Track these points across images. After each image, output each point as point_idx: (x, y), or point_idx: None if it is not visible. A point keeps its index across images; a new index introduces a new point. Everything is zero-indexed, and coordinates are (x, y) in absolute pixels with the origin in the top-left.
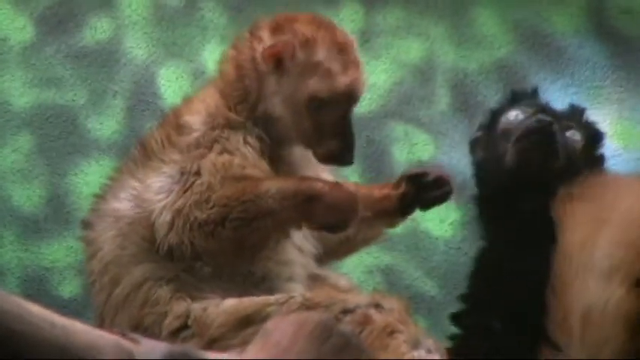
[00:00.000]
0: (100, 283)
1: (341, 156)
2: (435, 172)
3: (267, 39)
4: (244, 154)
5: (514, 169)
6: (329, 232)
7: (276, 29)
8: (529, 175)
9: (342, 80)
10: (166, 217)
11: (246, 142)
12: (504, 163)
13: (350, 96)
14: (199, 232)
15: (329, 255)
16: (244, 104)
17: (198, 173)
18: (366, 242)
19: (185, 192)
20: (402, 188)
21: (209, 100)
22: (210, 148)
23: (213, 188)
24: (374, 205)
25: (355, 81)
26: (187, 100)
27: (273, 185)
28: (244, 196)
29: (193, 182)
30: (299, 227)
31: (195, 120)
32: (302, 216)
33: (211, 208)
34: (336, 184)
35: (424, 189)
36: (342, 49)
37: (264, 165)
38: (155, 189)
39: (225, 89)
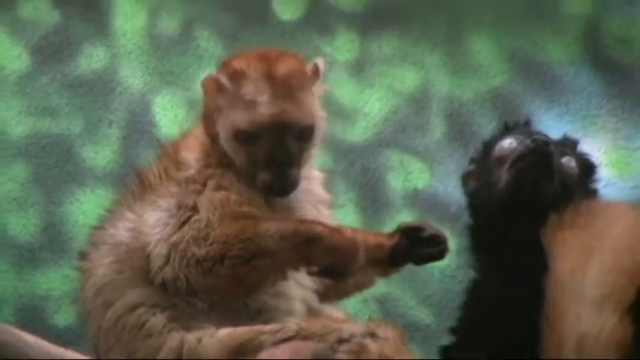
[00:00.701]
0: (93, 307)
1: (274, 188)
2: (431, 229)
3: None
4: (239, 190)
5: (508, 195)
6: (328, 277)
7: (220, 66)
8: (522, 200)
9: (265, 111)
10: (162, 250)
11: (239, 178)
12: (498, 190)
13: (275, 127)
14: (197, 268)
15: (320, 297)
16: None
17: (194, 209)
18: (357, 288)
19: (181, 226)
20: (396, 240)
21: (202, 137)
22: (204, 185)
23: (211, 225)
24: (367, 253)
25: (280, 112)
26: (185, 134)
27: (273, 225)
28: (243, 235)
29: (190, 217)
30: (297, 269)
31: (191, 157)
32: (300, 258)
33: (210, 244)
34: (336, 229)
35: (418, 244)
36: (271, 80)
37: (259, 201)
38: (151, 222)
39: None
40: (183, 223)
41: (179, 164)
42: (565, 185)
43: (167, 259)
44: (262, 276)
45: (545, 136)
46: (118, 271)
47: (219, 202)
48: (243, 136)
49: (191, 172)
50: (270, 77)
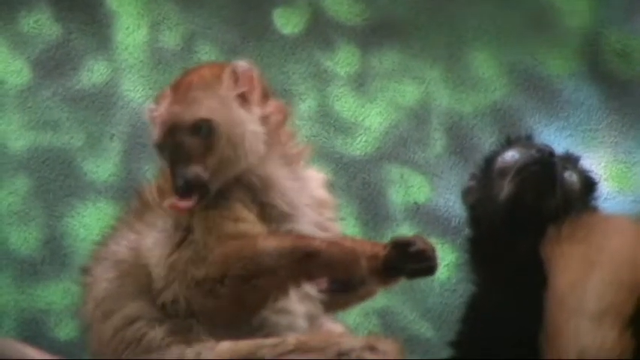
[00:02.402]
0: (93, 320)
1: (176, 189)
2: (420, 244)
3: None
4: (231, 207)
5: (510, 206)
6: (339, 291)
7: None
8: (524, 212)
9: (159, 120)
10: (161, 272)
11: (230, 194)
12: (499, 202)
13: (165, 129)
14: (197, 290)
15: (325, 307)
16: None
17: (188, 229)
18: (359, 299)
19: (177, 247)
20: (387, 252)
21: None
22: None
23: (208, 246)
24: (366, 262)
25: (168, 114)
26: None
27: (271, 243)
28: (242, 254)
29: (185, 237)
30: (298, 285)
31: None
32: (300, 274)
33: (209, 265)
34: (335, 242)
35: (407, 258)
36: (173, 90)
37: (251, 216)
38: (150, 244)
39: None
40: (179, 243)
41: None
42: (566, 200)
43: (166, 281)
44: (263, 295)
45: (550, 147)
46: (119, 284)
47: (212, 221)
48: (157, 152)
49: None
50: (173, 87)
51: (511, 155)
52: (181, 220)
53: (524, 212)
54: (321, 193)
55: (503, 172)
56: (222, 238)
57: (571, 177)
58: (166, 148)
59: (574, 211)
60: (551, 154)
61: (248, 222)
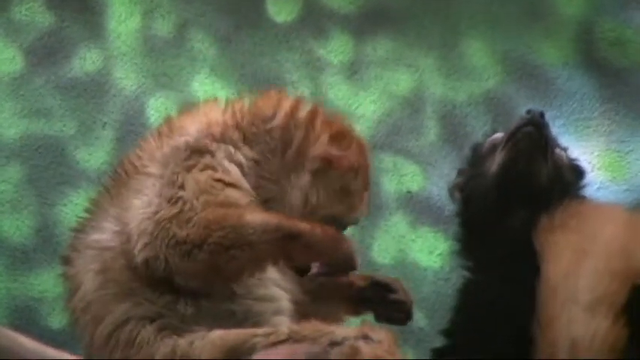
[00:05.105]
0: (83, 321)
1: None
2: (400, 296)
3: (324, 140)
4: (227, 170)
5: (501, 174)
6: (326, 274)
7: (335, 138)
8: (516, 179)
9: (356, 215)
10: (148, 227)
11: (231, 159)
12: (490, 175)
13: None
14: (176, 249)
15: None
16: (248, 137)
17: (182, 187)
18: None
19: (167, 203)
20: (365, 285)
21: (212, 114)
22: (197, 159)
23: (195, 209)
24: (339, 289)
25: (360, 214)
26: (190, 109)
27: (257, 217)
28: (226, 223)
29: (175, 194)
30: (276, 263)
31: (191, 125)
32: (280, 252)
33: (191, 227)
34: (319, 226)
35: (383, 303)
36: (368, 183)
37: (245, 185)
38: (138, 204)
39: (242, 115)
40: (169, 200)
41: (175, 129)
42: (557, 173)
43: (151, 236)
44: (240, 266)
45: (540, 110)
46: (103, 285)
47: (204, 185)
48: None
49: (187, 138)
50: (367, 181)
51: (499, 135)
52: (174, 177)
53: (516, 180)
54: None
55: (493, 147)
56: (210, 202)
57: (561, 152)
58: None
59: (565, 187)
60: (542, 114)
61: (240, 190)
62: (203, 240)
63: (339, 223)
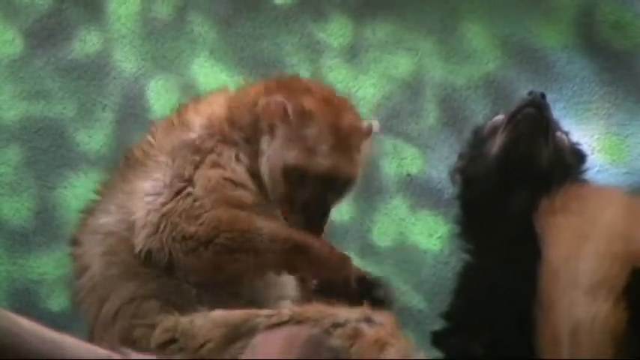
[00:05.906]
0: (90, 301)
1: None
2: (381, 298)
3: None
4: (234, 170)
5: (502, 155)
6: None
7: (278, 89)
8: (517, 161)
9: (323, 162)
10: (153, 218)
11: (238, 159)
12: (491, 156)
13: (325, 179)
14: (181, 244)
15: None
16: (245, 132)
17: (190, 181)
18: None
19: (175, 196)
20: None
21: (215, 107)
22: (204, 159)
23: (205, 206)
24: None
25: (336, 167)
26: (198, 99)
27: (268, 225)
28: (236, 225)
29: (184, 188)
30: (278, 273)
31: (197, 121)
32: (284, 264)
33: (200, 224)
34: (328, 244)
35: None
36: (335, 132)
37: (251, 184)
38: (145, 190)
39: (236, 110)
40: (177, 193)
41: (183, 123)
42: (558, 156)
43: (157, 228)
44: (242, 270)
45: (541, 92)
46: (109, 265)
47: (215, 182)
48: (292, 174)
49: (193, 136)
50: (336, 126)
51: (500, 117)
52: (181, 171)
53: (517, 162)
54: None
55: (494, 129)
56: (220, 201)
57: (562, 135)
58: (313, 189)
59: (565, 171)
60: (543, 96)
61: (248, 189)
62: (210, 239)
63: (324, 183)
